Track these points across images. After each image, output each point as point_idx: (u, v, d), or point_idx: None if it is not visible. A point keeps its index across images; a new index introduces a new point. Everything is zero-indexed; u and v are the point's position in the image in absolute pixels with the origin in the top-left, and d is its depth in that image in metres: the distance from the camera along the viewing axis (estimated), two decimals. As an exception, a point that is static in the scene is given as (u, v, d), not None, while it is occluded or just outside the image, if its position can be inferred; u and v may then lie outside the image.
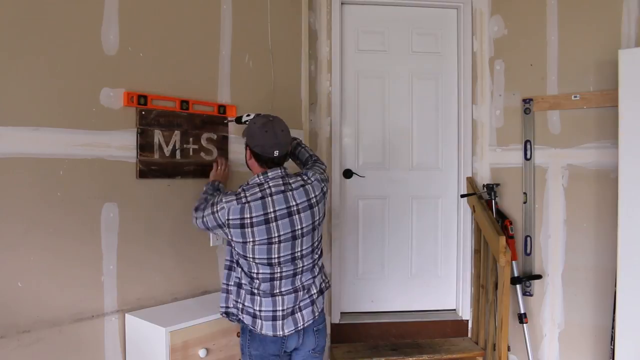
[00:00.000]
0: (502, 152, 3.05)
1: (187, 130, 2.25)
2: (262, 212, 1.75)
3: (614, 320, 2.39)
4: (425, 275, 3.20)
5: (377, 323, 3.05)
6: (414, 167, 3.17)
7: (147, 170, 2.10)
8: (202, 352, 1.94)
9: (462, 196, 3.03)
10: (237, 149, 2.48)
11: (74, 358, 1.88)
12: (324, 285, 1.99)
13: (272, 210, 1.77)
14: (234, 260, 1.88)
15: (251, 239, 1.76)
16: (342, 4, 3.03)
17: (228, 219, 1.75)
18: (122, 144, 2.02)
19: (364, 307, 3.14)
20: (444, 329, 3.09)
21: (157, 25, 2.15)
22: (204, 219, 1.83)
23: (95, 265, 1.95)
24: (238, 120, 2.24)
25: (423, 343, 2.99)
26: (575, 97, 2.74)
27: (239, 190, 1.81)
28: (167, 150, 2.17)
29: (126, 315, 2.02)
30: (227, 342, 2.05)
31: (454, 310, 3.19)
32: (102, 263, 1.96)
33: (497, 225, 2.70)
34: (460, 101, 3.13)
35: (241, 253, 1.81)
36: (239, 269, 1.86)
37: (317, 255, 1.93)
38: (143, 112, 2.08)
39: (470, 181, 3.08)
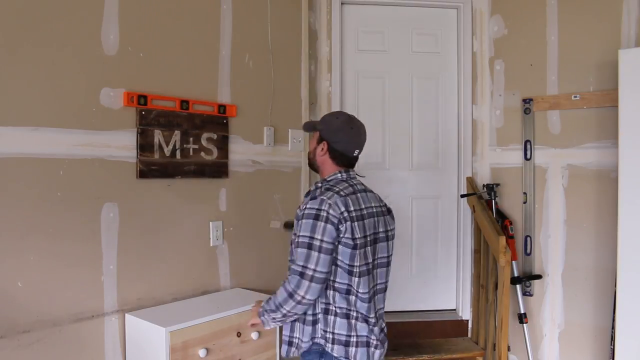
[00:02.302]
0: (502, 152, 3.05)
1: (187, 130, 2.25)
2: (358, 207, 1.63)
3: (614, 320, 2.39)
4: (425, 275, 3.20)
5: (377, 323, 3.05)
6: (414, 167, 3.18)
7: (147, 170, 2.10)
8: (202, 352, 1.94)
9: (462, 196, 3.03)
10: (238, 148, 2.48)
11: (74, 358, 1.88)
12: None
13: (364, 206, 1.66)
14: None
15: (357, 235, 1.58)
16: (342, 4, 3.03)
17: (342, 212, 1.54)
18: (122, 144, 2.02)
19: (364, 307, 3.14)
20: (444, 329, 3.09)
21: (157, 25, 2.15)
22: (321, 254, 1.51)
23: (95, 265, 1.95)
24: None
25: (423, 343, 2.98)
26: (575, 97, 2.74)
27: (323, 186, 1.66)
28: (167, 150, 2.17)
29: (126, 315, 2.02)
30: (227, 342, 2.05)
31: (454, 310, 3.19)
32: (102, 263, 1.96)
33: (497, 225, 2.70)
34: (460, 101, 3.13)
35: (346, 262, 1.55)
36: (329, 292, 1.59)
37: (389, 275, 1.77)
38: (143, 112, 2.07)
39: (470, 181, 3.08)
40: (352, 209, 1.58)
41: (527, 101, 2.91)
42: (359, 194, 1.67)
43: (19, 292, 1.73)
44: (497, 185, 2.97)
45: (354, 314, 1.59)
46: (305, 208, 1.58)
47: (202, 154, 2.32)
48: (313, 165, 1.81)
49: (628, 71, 2.33)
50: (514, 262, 2.82)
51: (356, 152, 1.74)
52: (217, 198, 2.40)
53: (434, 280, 3.20)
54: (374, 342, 1.61)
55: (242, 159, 2.50)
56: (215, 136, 2.37)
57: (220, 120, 2.39)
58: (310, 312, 1.63)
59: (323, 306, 1.61)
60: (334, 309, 1.59)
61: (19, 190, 1.73)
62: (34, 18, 1.76)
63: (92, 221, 1.93)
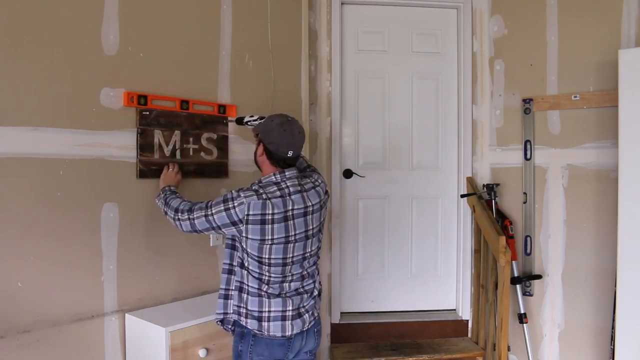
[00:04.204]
0: (502, 152, 3.05)
1: (187, 130, 2.25)
2: (282, 210, 1.74)
3: (614, 320, 2.39)
4: (425, 275, 3.20)
5: (377, 323, 3.05)
6: (414, 167, 3.17)
7: (147, 170, 2.10)
8: (202, 352, 1.94)
9: (462, 196, 3.03)
10: (237, 148, 2.48)
11: (74, 358, 1.88)
12: (320, 287, 1.99)
13: (291, 208, 1.76)
14: (235, 263, 1.84)
15: (270, 237, 1.73)
16: (342, 4, 3.03)
17: (248, 214, 1.70)
18: (122, 144, 2.02)
19: (364, 307, 3.14)
20: (444, 328, 3.09)
21: (157, 25, 2.15)
22: (209, 217, 1.75)
23: (95, 265, 1.95)
24: (239, 121, 2.20)
25: (423, 343, 2.99)
26: (575, 97, 2.74)
27: (255, 187, 1.77)
28: (167, 150, 2.17)
29: (126, 315, 2.02)
30: (227, 342, 2.04)
31: (454, 310, 3.19)
32: (102, 263, 1.96)
33: (497, 225, 2.70)
34: (460, 101, 3.13)
35: (255, 254, 1.76)
36: (242, 272, 1.81)
37: (319, 258, 1.96)
38: (143, 112, 2.07)
39: (470, 181, 3.08)
40: (269, 212, 1.71)
41: (527, 101, 2.91)
42: (287, 197, 1.76)
43: (19, 292, 1.73)
44: (497, 185, 2.97)
45: (264, 293, 1.79)
46: (228, 192, 1.78)
47: (202, 154, 2.32)
48: (257, 165, 1.92)
49: (628, 71, 2.33)
50: (514, 262, 2.82)
51: (290, 152, 1.79)
52: (217, 198, 2.40)
53: (434, 280, 3.20)
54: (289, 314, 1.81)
55: (242, 159, 2.50)
56: (215, 136, 2.37)
57: (220, 120, 2.39)
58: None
59: (238, 284, 1.83)
60: (246, 287, 1.81)
61: (19, 190, 1.73)
62: (33, 18, 1.76)
63: (92, 221, 1.93)
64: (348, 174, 3.07)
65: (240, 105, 2.48)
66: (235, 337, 1.85)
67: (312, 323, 1.89)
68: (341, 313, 3.05)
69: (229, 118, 2.41)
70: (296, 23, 2.83)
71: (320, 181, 1.92)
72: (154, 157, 2.12)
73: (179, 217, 1.83)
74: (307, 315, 1.86)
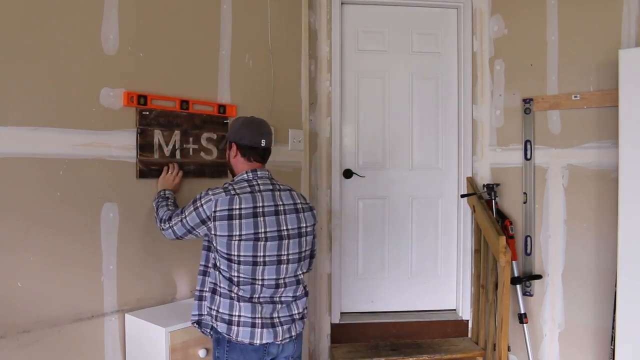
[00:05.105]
0: (502, 152, 3.05)
1: (187, 130, 2.25)
2: (251, 205, 1.73)
3: (614, 320, 2.39)
4: (425, 275, 3.20)
5: (377, 323, 3.05)
6: (414, 167, 3.17)
7: (147, 170, 2.10)
8: (202, 352, 1.94)
9: (462, 196, 3.03)
10: (237, 149, 2.48)
11: (74, 358, 1.88)
12: (305, 311, 1.91)
13: (260, 204, 1.75)
14: (209, 265, 1.83)
15: (237, 233, 1.71)
16: (342, 4, 3.03)
17: (215, 211, 1.71)
18: (122, 144, 2.02)
19: (364, 307, 3.14)
20: (444, 329, 3.09)
21: (156, 25, 2.15)
22: (183, 221, 1.79)
23: (95, 265, 1.94)
24: None
25: (423, 343, 2.98)
26: (575, 97, 2.74)
27: (225, 185, 1.79)
28: (167, 150, 2.17)
29: (126, 315, 2.02)
30: (227, 342, 2.05)
31: (454, 310, 3.19)
32: (102, 263, 1.96)
33: (497, 225, 2.70)
34: (460, 101, 3.13)
35: (224, 251, 1.73)
36: (215, 273, 1.79)
37: (301, 271, 1.87)
38: (143, 112, 2.07)
39: (470, 181, 3.08)
40: (236, 206, 1.72)
41: (527, 101, 2.91)
42: (257, 193, 1.77)
43: (19, 292, 1.73)
44: (497, 185, 2.97)
45: (235, 295, 1.75)
46: (199, 192, 1.80)
47: (202, 154, 2.31)
48: (230, 172, 1.95)
49: (628, 71, 2.33)
50: (514, 262, 2.82)
51: (263, 142, 1.84)
52: (217, 198, 2.39)
53: (434, 280, 3.20)
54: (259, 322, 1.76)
55: (242, 159, 2.50)
56: (215, 136, 2.36)
57: (220, 120, 2.39)
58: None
59: (211, 285, 1.80)
60: (219, 289, 1.78)
61: (19, 190, 1.73)
62: (34, 18, 1.76)
63: (92, 221, 1.93)
64: (348, 174, 3.07)
65: (240, 105, 2.48)
66: (213, 344, 1.83)
67: (286, 340, 1.80)
68: (341, 313, 3.05)
69: (230, 119, 2.41)
70: (296, 23, 2.83)
71: (302, 197, 1.91)
72: (154, 157, 2.12)
73: (162, 227, 1.89)
74: (280, 328, 1.78)
